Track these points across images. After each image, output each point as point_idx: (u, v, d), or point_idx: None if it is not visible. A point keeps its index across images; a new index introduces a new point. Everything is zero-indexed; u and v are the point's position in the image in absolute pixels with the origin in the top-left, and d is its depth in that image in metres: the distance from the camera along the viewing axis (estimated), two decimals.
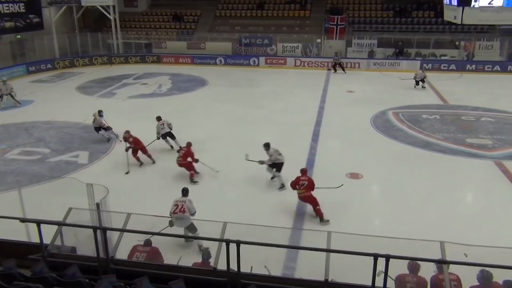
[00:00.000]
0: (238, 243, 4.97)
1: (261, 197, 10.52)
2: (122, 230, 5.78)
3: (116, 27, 29.92)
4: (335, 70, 25.93)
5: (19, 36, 27.11)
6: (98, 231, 5.54)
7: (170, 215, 8.19)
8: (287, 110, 18.01)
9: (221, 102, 19.25)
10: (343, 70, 25.85)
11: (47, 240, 5.91)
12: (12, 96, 18.75)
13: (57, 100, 19.96)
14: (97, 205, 6.88)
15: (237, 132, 15.32)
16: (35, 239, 6.11)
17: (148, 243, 6.69)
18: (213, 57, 28.92)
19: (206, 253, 6.47)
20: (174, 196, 8.64)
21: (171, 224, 7.87)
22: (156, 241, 6.83)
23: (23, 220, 6.13)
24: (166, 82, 23.81)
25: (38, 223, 5.69)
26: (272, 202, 10.26)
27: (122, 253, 6.02)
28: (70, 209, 6.20)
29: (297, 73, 26.27)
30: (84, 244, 6.21)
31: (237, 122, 16.48)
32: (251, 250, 5.02)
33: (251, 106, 18.67)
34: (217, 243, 5.46)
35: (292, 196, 10.01)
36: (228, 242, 5.00)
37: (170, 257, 6.78)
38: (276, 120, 16.73)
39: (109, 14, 29.26)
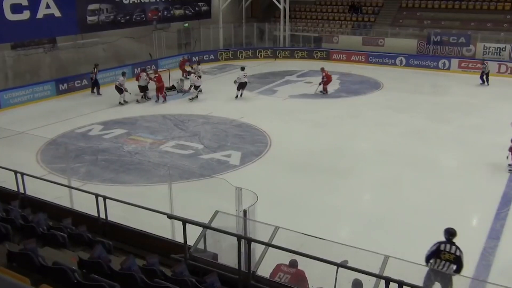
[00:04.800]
0: (401, 284, 4.77)
1: (435, 231, 9.88)
2: (269, 245, 6.02)
3: (285, 17, 31.45)
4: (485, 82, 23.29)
5: (186, 25, 30.54)
6: (243, 241, 5.87)
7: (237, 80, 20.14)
8: (482, 128, 16.61)
9: (396, 111, 18.70)
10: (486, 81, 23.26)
11: (190, 240, 6.51)
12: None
13: (216, 94, 21.81)
14: (244, 212, 7.29)
15: (412, 150, 14.67)
16: (179, 237, 6.78)
17: (293, 264, 6.82)
18: (393, 56, 28.28)
19: (356, 285, 6.34)
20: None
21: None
22: (302, 263, 6.95)
23: (170, 217, 6.86)
24: (334, 82, 24.00)
25: (184, 222, 6.31)
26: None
27: (263, 270, 6.28)
28: (216, 212, 6.71)
29: (501, 82, 23.99)
30: (226, 253, 6.65)
31: (414, 137, 15.80)
32: None
33: (435, 118, 17.70)
34: (373, 278, 5.32)
35: (476, 240, 9.20)
36: (388, 280, 4.83)
37: (316, 284, 6.83)
38: (466, 139, 15.58)
39: (279, 3, 30.89)
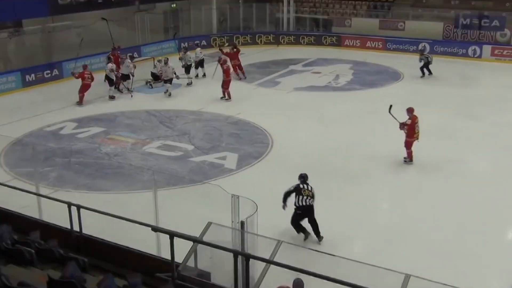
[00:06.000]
0: None
1: (463, 246, 9.91)
2: (270, 262, 6.02)
3: None
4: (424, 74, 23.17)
5: (174, 5, 30.44)
6: (240, 258, 5.87)
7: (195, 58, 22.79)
8: None
9: (418, 106, 18.51)
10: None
11: (178, 257, 6.50)
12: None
13: (208, 87, 21.78)
14: (242, 223, 7.28)
15: (437, 151, 14.66)
16: (165, 253, 6.78)
17: (299, 284, 6.82)
18: (415, 41, 28.18)
19: None
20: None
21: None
22: (308, 283, 6.95)
23: (155, 229, 6.86)
24: (346, 73, 24.13)
25: (172, 235, 6.30)
26: (486, 257, 9.61)
27: None
28: (209, 224, 6.71)
29: None
30: (220, 271, 6.65)
31: (439, 135, 15.78)
32: None
33: (463, 114, 17.72)
34: None
35: None
36: None
37: None
38: (500, 138, 15.59)
39: None
